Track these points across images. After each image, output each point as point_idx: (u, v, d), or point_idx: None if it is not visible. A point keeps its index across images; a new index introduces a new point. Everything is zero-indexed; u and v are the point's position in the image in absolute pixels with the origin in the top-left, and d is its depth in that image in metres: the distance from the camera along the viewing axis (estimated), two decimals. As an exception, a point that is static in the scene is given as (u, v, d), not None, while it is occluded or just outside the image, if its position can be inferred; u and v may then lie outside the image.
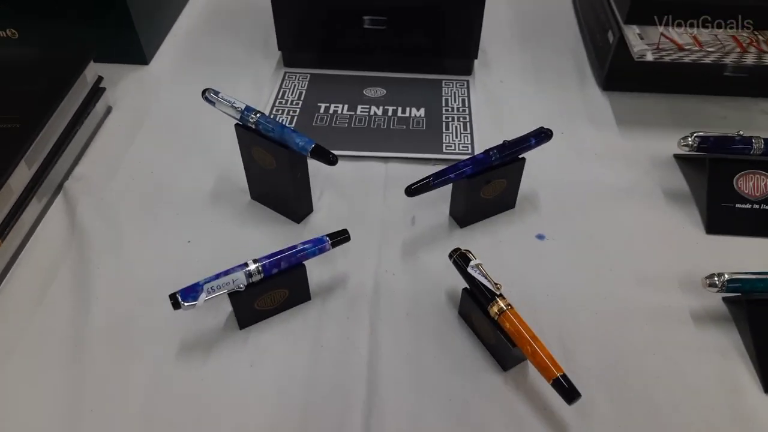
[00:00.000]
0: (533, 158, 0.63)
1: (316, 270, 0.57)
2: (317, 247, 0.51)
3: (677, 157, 0.68)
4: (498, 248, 0.59)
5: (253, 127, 0.56)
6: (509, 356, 0.48)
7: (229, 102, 0.56)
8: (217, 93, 0.57)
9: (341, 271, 0.57)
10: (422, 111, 0.75)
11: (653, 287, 0.55)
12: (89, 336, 0.51)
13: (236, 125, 0.58)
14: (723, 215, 0.60)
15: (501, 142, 0.57)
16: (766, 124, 0.74)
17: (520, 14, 0.94)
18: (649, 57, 0.67)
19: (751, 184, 0.60)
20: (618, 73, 0.76)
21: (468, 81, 0.80)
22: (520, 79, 0.81)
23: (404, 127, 0.72)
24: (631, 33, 0.70)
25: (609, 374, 0.49)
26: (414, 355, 0.50)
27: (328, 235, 0.52)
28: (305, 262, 0.52)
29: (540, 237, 0.60)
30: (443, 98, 0.77)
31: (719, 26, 0.69)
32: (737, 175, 0.60)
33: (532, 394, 0.48)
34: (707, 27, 0.70)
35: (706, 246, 0.59)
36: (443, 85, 0.79)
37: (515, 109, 0.76)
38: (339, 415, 0.47)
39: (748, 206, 0.60)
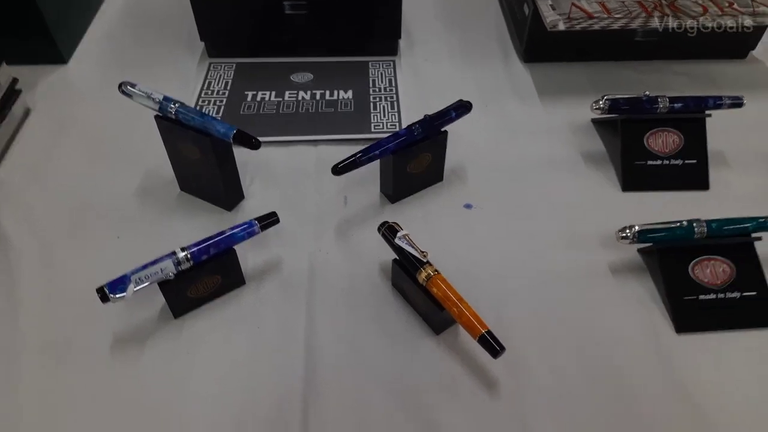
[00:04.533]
0: (459, 133, 0.65)
1: (250, 255, 0.57)
2: (246, 231, 0.52)
3: (594, 121, 0.71)
4: (428, 220, 0.61)
5: (174, 117, 0.55)
6: (439, 320, 0.50)
7: (146, 93, 0.56)
8: (133, 85, 0.57)
9: (276, 255, 0.57)
10: (350, 93, 0.75)
11: (576, 247, 0.58)
12: (19, 346, 0.50)
13: (156, 117, 0.57)
14: (636, 173, 0.63)
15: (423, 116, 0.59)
16: (679, 83, 0.78)
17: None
18: (561, 26, 0.69)
19: (660, 141, 0.63)
20: (536, 44, 0.79)
21: (394, 61, 0.81)
22: (445, 57, 0.83)
23: (332, 110, 0.73)
24: (544, 4, 0.72)
25: (539, 333, 0.52)
26: (350, 330, 0.52)
27: (256, 219, 0.52)
28: (237, 247, 0.52)
29: (468, 206, 0.62)
30: (370, 79, 0.78)
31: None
32: (647, 134, 0.63)
33: (464, 355, 0.50)
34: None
35: (623, 203, 0.62)
36: (370, 66, 0.80)
37: (441, 87, 0.78)
38: (278, 396, 0.47)
39: (659, 162, 0.63)
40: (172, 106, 0.55)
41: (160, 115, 0.57)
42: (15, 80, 0.72)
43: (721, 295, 0.52)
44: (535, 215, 0.61)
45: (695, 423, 0.46)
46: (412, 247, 0.50)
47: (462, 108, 0.60)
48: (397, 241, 0.51)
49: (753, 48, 0.81)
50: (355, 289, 0.55)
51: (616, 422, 0.46)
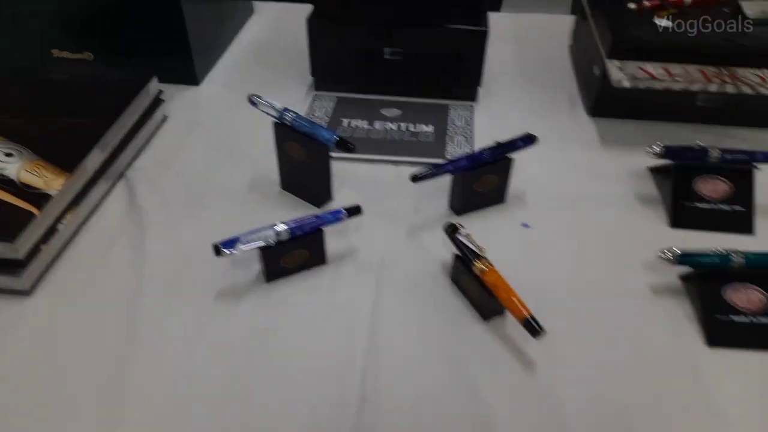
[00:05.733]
0: (525, 167, 0.74)
1: (332, 242, 0.67)
2: (335, 216, 0.62)
3: (651, 169, 0.78)
4: (488, 233, 0.68)
5: (289, 123, 0.68)
6: (489, 307, 0.57)
7: (270, 103, 0.69)
8: (260, 96, 0.70)
9: (354, 245, 0.67)
10: (431, 127, 0.87)
11: (621, 269, 0.64)
12: (143, 284, 0.62)
13: (274, 123, 0.70)
14: (685, 212, 0.69)
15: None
16: (733, 147, 0.83)
17: (523, 57, 1.07)
18: (625, 84, 0.78)
19: (709, 187, 0.69)
20: (603, 101, 0.88)
21: (472, 106, 0.92)
22: (518, 107, 0.93)
23: (415, 139, 0.84)
24: (612, 66, 0.81)
25: (576, 332, 0.58)
26: (410, 310, 0.60)
27: (344, 208, 0.63)
28: (324, 231, 0.63)
29: (525, 225, 0.70)
30: (450, 118, 0.89)
31: (686, 62, 0.80)
32: (697, 179, 0.69)
33: (507, 339, 0.57)
34: (679, 62, 0.81)
35: (669, 238, 0.68)
36: (450, 108, 0.92)
37: (512, 129, 0.86)
38: (345, 351, 0.56)
39: (707, 206, 0.69)
40: (290, 114, 0.68)
41: (278, 122, 0.69)
42: (161, 91, 0.88)
43: (753, 319, 0.56)
44: (584, 239, 0.68)
45: (710, 418, 0.51)
46: (472, 243, 0.59)
47: (528, 139, 0.69)
48: (459, 237, 0.59)
49: (814, 120, 0.86)
50: (418, 279, 0.63)
51: (638, 409, 0.52)
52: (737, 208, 0.69)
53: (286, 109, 0.68)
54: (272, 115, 0.69)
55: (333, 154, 0.73)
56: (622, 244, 0.67)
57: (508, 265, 0.62)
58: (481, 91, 0.95)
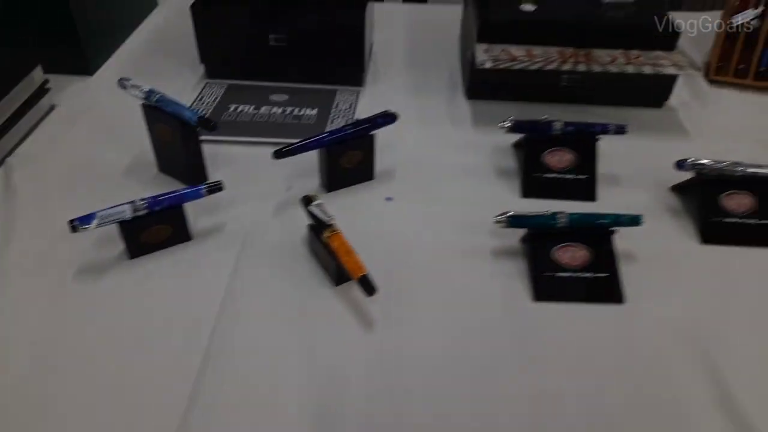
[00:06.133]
0: (396, 146, 0.79)
1: (202, 220, 0.70)
2: (194, 191, 0.65)
3: (513, 145, 0.83)
4: (355, 207, 0.72)
5: (155, 105, 0.70)
6: (337, 271, 0.61)
7: (137, 86, 0.71)
8: (128, 80, 0.72)
9: (221, 221, 0.70)
10: (315, 111, 0.90)
11: (469, 234, 0.69)
12: (4, 266, 0.63)
13: (143, 105, 0.72)
14: (534, 183, 0.74)
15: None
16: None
17: (415, 45, 1.12)
18: (488, 65, 0.83)
19: (556, 159, 0.75)
20: (477, 84, 0.93)
21: (359, 91, 0.96)
22: (403, 91, 0.98)
23: (297, 122, 0.87)
24: (480, 49, 0.87)
25: (418, 290, 0.62)
26: (267, 278, 0.63)
27: (204, 184, 0.65)
28: (191, 213, 0.66)
29: (388, 199, 0.74)
30: (335, 102, 0.93)
31: (549, 44, 0.86)
32: (545, 152, 0.75)
33: (353, 303, 0.60)
34: (539, 45, 0.87)
35: (518, 206, 0.72)
36: (338, 93, 0.95)
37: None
38: (196, 320, 0.59)
39: (553, 176, 0.74)
40: (155, 96, 0.70)
41: (147, 103, 0.72)
42: (46, 80, 0.89)
43: (576, 275, 0.62)
44: (441, 209, 0.73)
45: (529, 366, 0.56)
46: (322, 212, 0.62)
47: (388, 117, 0.74)
48: (310, 208, 0.63)
49: (667, 99, 0.93)
50: (279, 251, 0.67)
51: (466, 361, 0.56)
52: (581, 176, 0.74)
53: (151, 91, 0.71)
54: (140, 97, 0.71)
55: (211, 138, 0.76)
56: (475, 212, 0.71)
57: (366, 234, 0.66)
58: (370, 77, 0.99)
